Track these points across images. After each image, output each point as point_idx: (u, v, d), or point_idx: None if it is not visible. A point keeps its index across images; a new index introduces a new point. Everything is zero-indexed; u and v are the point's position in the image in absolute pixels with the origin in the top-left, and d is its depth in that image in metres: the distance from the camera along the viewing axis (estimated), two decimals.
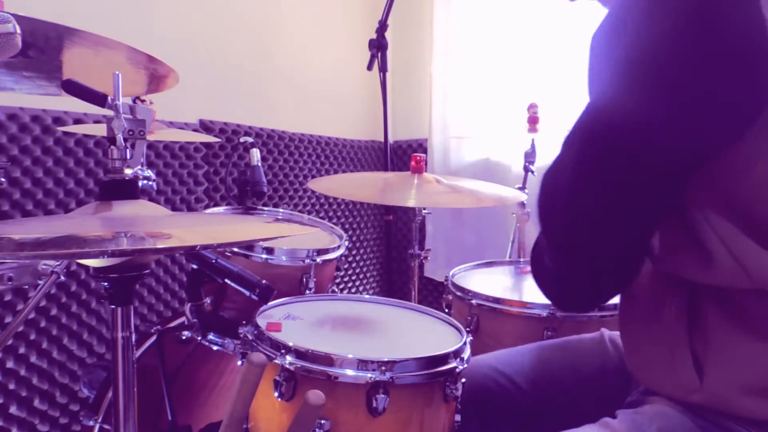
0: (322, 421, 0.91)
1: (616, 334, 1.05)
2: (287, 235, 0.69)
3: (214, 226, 0.82)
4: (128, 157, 0.78)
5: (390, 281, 3.01)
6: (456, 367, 0.98)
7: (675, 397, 0.78)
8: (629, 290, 0.85)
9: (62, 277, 1.27)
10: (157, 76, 1.06)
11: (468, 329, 1.20)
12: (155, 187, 1.24)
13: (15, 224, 0.91)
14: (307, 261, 1.42)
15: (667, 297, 0.77)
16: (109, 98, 0.78)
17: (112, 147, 0.77)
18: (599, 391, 0.98)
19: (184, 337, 1.21)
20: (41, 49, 0.86)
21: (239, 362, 1.09)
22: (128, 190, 0.79)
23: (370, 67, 2.22)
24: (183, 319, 1.27)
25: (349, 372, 0.92)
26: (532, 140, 2.05)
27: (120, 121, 0.77)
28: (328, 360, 0.93)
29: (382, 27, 2.19)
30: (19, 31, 0.67)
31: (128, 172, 0.79)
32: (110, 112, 0.78)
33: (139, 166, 0.81)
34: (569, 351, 1.05)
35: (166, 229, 0.70)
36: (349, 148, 2.82)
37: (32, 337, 1.64)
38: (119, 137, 0.77)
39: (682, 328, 0.75)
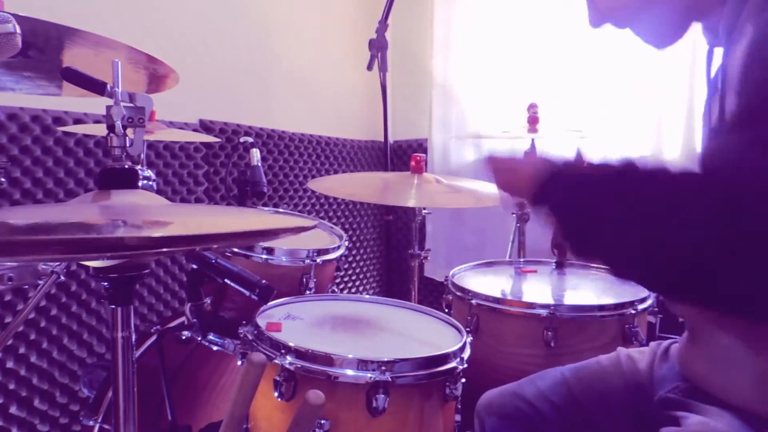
0: (322, 421, 0.91)
1: (633, 350, 1.04)
2: (288, 228, 0.68)
3: (215, 217, 0.81)
4: (128, 145, 0.78)
5: (390, 281, 3.01)
6: (456, 367, 0.98)
7: (741, 407, 0.75)
8: None
9: (62, 277, 1.27)
10: (157, 76, 1.06)
11: (468, 329, 1.20)
12: (155, 187, 1.24)
13: (7, 211, 0.91)
14: (307, 261, 1.42)
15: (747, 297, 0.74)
16: (108, 86, 0.78)
17: (111, 134, 0.77)
18: (621, 413, 0.96)
19: (184, 337, 1.21)
20: (41, 49, 0.86)
21: (239, 362, 1.09)
22: (127, 179, 0.78)
23: (370, 67, 2.22)
24: (183, 319, 1.27)
25: (349, 372, 0.92)
26: (532, 140, 2.05)
27: (119, 108, 0.76)
28: (328, 360, 0.93)
29: (382, 27, 2.19)
30: (19, 31, 0.67)
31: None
32: (110, 101, 0.77)
33: (140, 166, 0.81)
34: (589, 375, 1.03)
35: (165, 218, 0.70)
36: (349, 148, 2.82)
37: (32, 337, 1.64)
38: (118, 124, 0.76)
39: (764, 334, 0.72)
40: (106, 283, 0.73)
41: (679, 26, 0.83)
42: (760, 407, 0.74)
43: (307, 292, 1.42)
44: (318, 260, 1.43)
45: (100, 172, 0.79)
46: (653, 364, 0.96)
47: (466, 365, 1.01)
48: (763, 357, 0.73)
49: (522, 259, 1.92)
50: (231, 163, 2.10)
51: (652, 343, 1.03)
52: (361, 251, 2.93)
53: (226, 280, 1.15)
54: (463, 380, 1.01)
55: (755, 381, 0.74)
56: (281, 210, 1.92)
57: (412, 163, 1.56)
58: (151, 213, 0.72)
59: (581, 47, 2.33)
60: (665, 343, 1.01)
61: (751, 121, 0.63)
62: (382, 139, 2.52)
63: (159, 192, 1.96)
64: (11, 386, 1.60)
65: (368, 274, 2.99)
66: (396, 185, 1.60)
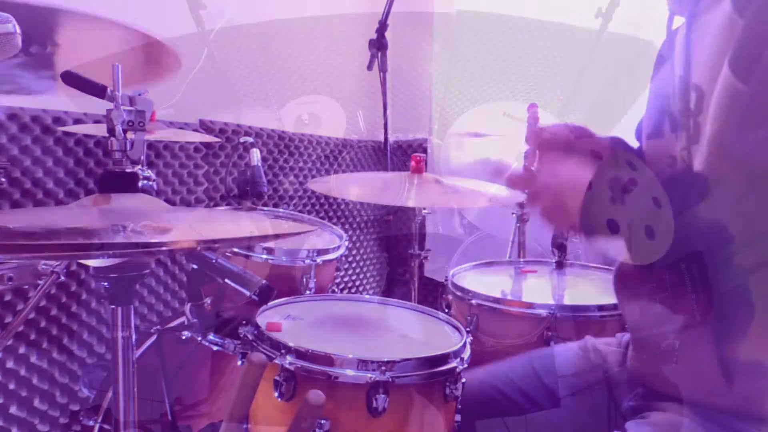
0: (322, 421, 0.91)
1: (600, 341, 1.06)
2: (289, 233, 0.68)
3: (217, 223, 0.82)
4: (128, 148, 0.78)
5: (390, 281, 3.00)
6: (456, 367, 0.98)
7: (695, 401, 0.77)
8: (638, 291, 0.84)
9: (62, 277, 1.27)
10: (154, 58, 1.03)
11: (468, 329, 1.19)
12: (155, 187, 1.24)
13: (8, 215, 0.91)
14: (307, 261, 1.42)
15: (683, 299, 0.75)
16: (108, 89, 0.78)
17: (112, 138, 0.77)
18: (585, 396, 0.99)
19: (184, 337, 1.21)
20: (35, 37, 0.85)
21: (239, 362, 1.09)
22: (127, 182, 0.78)
23: (370, 67, 2.22)
24: (183, 319, 1.26)
25: (349, 372, 0.92)
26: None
27: (119, 112, 0.77)
28: (328, 360, 0.93)
29: (382, 27, 2.19)
30: (18, 30, 0.67)
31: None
32: (110, 104, 0.77)
33: (140, 166, 0.81)
34: (555, 359, 1.07)
35: (166, 223, 0.70)
36: (349, 148, 2.82)
37: (32, 337, 1.64)
38: (118, 128, 0.76)
39: (706, 329, 0.73)
40: (106, 283, 0.73)
41: None
42: (706, 399, 0.76)
43: (307, 292, 1.42)
44: (318, 260, 1.43)
45: (101, 176, 0.79)
46: (619, 360, 0.98)
47: (466, 365, 1.01)
48: (700, 355, 0.75)
49: (522, 259, 1.92)
50: (231, 163, 2.09)
51: (618, 334, 1.07)
52: (361, 251, 2.93)
53: (226, 280, 1.14)
54: (464, 380, 1.01)
55: (695, 377, 0.77)
56: (281, 211, 1.92)
57: (412, 163, 1.56)
58: (151, 218, 0.72)
59: (582, 47, 2.32)
60: (627, 336, 1.04)
61: None
62: (382, 139, 2.52)
63: (159, 192, 1.96)
64: (11, 386, 1.60)
65: (368, 274, 2.99)
66: (396, 185, 1.59)
